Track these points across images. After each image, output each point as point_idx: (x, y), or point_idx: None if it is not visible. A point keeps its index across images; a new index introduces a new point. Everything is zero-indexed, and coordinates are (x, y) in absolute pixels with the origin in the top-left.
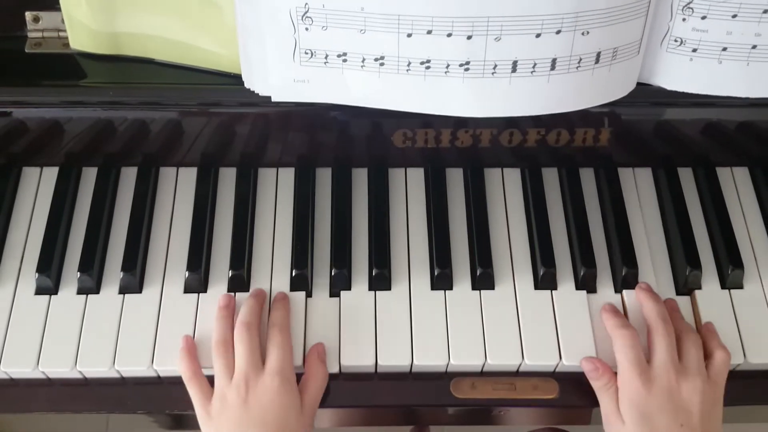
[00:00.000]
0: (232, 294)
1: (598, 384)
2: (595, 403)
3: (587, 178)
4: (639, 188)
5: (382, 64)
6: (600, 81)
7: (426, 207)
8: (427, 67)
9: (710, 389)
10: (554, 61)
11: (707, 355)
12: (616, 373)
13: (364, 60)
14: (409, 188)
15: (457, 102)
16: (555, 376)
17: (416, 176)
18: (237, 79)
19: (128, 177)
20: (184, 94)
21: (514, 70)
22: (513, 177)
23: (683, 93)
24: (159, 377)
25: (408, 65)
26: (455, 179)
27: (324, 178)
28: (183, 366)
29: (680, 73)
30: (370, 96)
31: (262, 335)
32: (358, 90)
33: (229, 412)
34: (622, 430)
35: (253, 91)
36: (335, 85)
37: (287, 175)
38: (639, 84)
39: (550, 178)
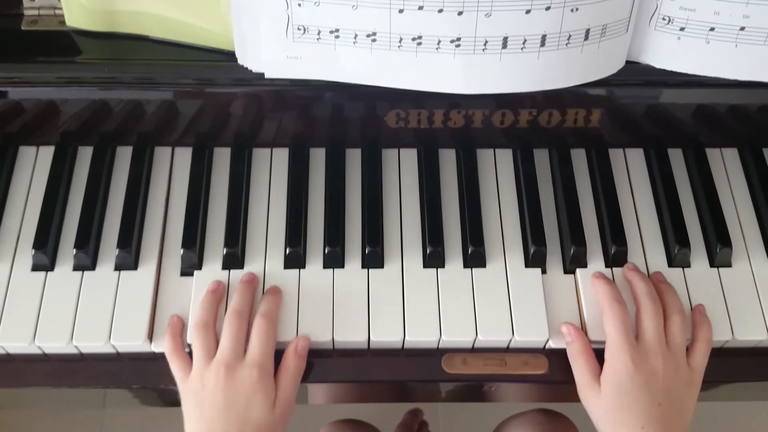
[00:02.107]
0: (223, 282)
1: (570, 349)
2: None
3: (579, 158)
4: (630, 168)
5: (374, 41)
6: (589, 58)
7: (419, 187)
8: (419, 44)
9: (689, 375)
10: (544, 37)
11: (692, 340)
12: (590, 343)
13: (356, 36)
14: (402, 168)
15: (449, 78)
16: (545, 352)
17: (409, 157)
18: (231, 56)
19: (124, 156)
20: (178, 70)
21: (504, 46)
22: (505, 158)
23: (672, 72)
24: (154, 353)
25: (400, 41)
26: (448, 160)
27: (318, 158)
28: (166, 342)
29: (668, 52)
30: (362, 72)
31: (250, 324)
32: (351, 66)
33: (206, 394)
34: (597, 397)
35: (247, 68)
36: (328, 61)
37: (281, 155)
38: (628, 62)
39: (542, 158)
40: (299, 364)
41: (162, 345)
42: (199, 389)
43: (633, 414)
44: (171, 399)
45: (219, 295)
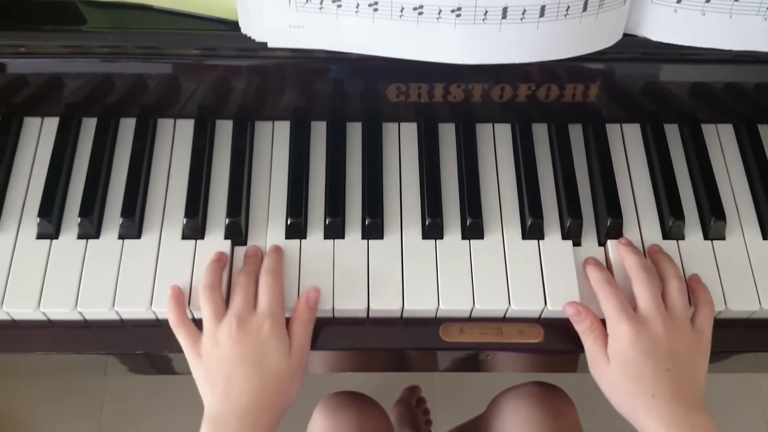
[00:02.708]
0: (226, 253)
1: (581, 327)
2: (579, 348)
3: (576, 133)
4: (626, 143)
5: (375, 10)
6: (587, 29)
7: (418, 160)
8: (420, 13)
9: (695, 337)
10: (543, 8)
11: (694, 307)
12: (599, 318)
13: (358, 5)
14: (402, 142)
15: (449, 48)
16: (540, 322)
17: (410, 130)
18: (234, 25)
19: (127, 127)
20: (181, 39)
21: (504, 16)
22: (504, 132)
23: (669, 45)
24: (157, 319)
25: (401, 11)
26: (447, 134)
27: (319, 131)
28: (170, 313)
29: (665, 24)
30: (363, 42)
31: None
32: (352, 36)
33: (220, 350)
34: (607, 371)
35: (250, 38)
36: (330, 31)
37: (283, 128)
38: (625, 35)
39: (540, 133)
40: (311, 315)
41: (165, 313)
42: (213, 347)
43: (642, 382)
44: (170, 367)
45: (222, 263)
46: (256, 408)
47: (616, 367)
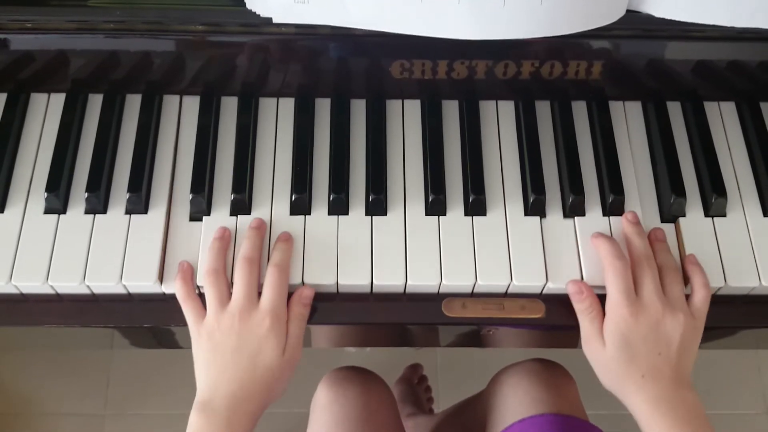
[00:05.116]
0: (228, 228)
1: (580, 306)
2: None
3: (579, 110)
4: (628, 121)
5: None
6: (591, 5)
7: (422, 137)
8: None
9: (691, 324)
10: None
11: (691, 289)
12: (599, 299)
13: None
14: (406, 119)
15: (453, 24)
16: (542, 297)
17: (413, 107)
18: (239, 1)
19: (133, 104)
20: (187, 14)
21: None
22: (507, 109)
23: (671, 21)
24: (164, 293)
25: None
26: (451, 111)
27: (323, 108)
28: (178, 288)
29: (668, 0)
30: (368, 18)
31: (261, 269)
32: (357, 11)
33: (220, 338)
34: (602, 352)
35: (255, 13)
36: (334, 6)
37: (287, 104)
38: (629, 12)
39: (543, 110)
40: (303, 312)
41: (172, 287)
42: (215, 330)
43: (634, 365)
44: (175, 341)
45: (225, 242)
46: (244, 396)
47: (610, 350)
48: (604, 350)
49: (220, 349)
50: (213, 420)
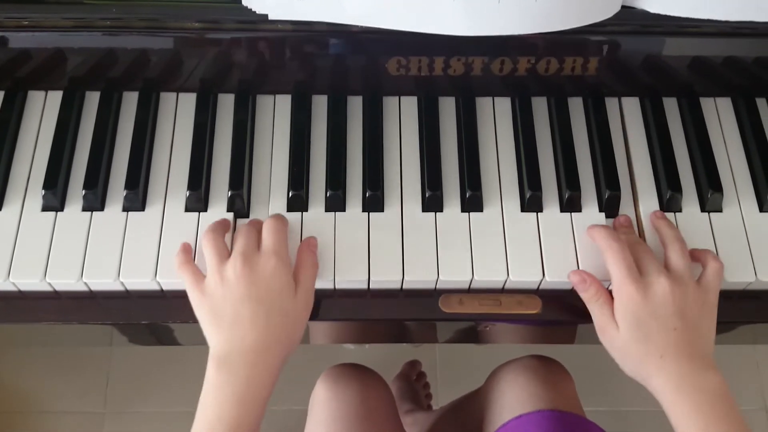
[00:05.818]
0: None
1: (586, 295)
2: (577, 319)
3: (575, 107)
4: (625, 117)
5: None
6: (585, 0)
7: (419, 134)
8: None
9: (701, 295)
10: None
11: (702, 267)
12: (603, 285)
13: None
14: (402, 116)
15: (449, 20)
16: (538, 293)
17: (410, 104)
18: None
19: (130, 101)
20: (183, 11)
21: None
22: (504, 106)
23: (666, 17)
24: (162, 290)
25: None
26: (447, 108)
27: (320, 105)
28: (177, 256)
29: None
30: (364, 14)
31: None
32: (353, 8)
33: (226, 288)
34: (616, 335)
35: (251, 10)
36: (330, 3)
37: (284, 101)
38: (624, 7)
39: (540, 107)
40: (313, 259)
41: (169, 284)
42: (218, 285)
43: (651, 343)
44: (173, 338)
45: (225, 225)
46: (263, 347)
47: (624, 331)
48: (619, 334)
49: (228, 300)
50: (232, 377)
